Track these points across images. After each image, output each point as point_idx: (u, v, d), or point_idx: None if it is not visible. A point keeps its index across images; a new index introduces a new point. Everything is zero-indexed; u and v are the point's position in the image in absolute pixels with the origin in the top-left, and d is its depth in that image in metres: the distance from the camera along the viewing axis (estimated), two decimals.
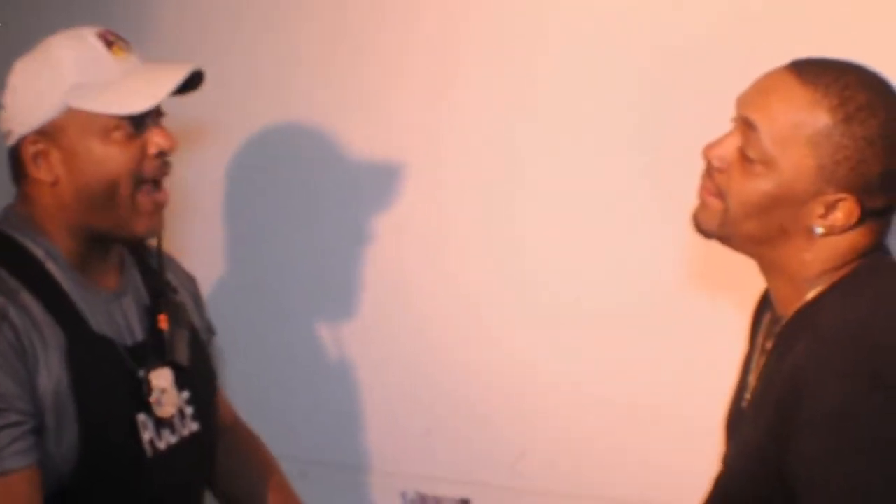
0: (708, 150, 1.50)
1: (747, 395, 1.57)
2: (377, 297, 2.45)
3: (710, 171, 1.50)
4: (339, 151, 2.43)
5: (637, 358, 2.25)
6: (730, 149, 1.48)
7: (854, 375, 1.36)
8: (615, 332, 2.26)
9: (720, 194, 1.49)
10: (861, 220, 1.44)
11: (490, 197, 2.34)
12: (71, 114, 1.67)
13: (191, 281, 1.98)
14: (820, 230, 1.44)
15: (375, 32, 2.39)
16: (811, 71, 1.44)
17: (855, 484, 1.33)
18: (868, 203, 1.43)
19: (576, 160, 2.27)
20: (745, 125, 1.46)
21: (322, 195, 2.49)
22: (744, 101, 1.49)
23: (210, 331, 1.99)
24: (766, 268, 1.53)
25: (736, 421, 1.60)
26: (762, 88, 1.47)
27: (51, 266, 1.69)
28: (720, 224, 1.49)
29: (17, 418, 1.58)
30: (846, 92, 1.41)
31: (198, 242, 2.52)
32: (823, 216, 1.44)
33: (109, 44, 1.70)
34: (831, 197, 1.42)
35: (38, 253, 1.70)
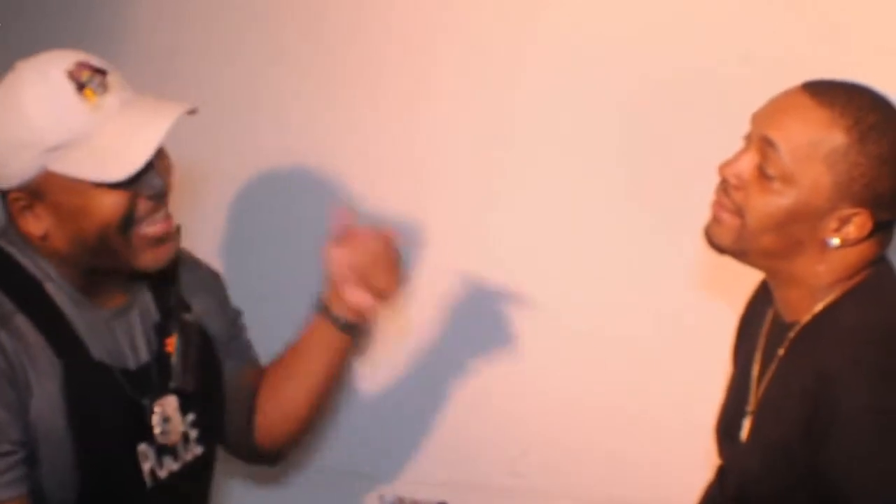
0: (725, 168, 1.54)
1: (752, 399, 1.62)
2: None
3: (725, 189, 1.55)
4: (322, 163, 2.41)
5: (633, 360, 2.27)
6: (747, 166, 1.52)
7: (885, 372, 1.43)
8: (612, 335, 2.28)
9: (737, 211, 1.53)
10: (872, 233, 1.50)
11: (485, 199, 2.34)
12: (49, 175, 1.56)
13: (214, 278, 1.91)
14: (835, 242, 1.50)
15: (357, 36, 2.38)
16: (825, 93, 1.50)
17: (891, 476, 1.40)
18: (879, 216, 1.49)
19: (565, 165, 2.29)
20: (764, 143, 1.51)
21: (306, 204, 2.46)
22: (761, 120, 1.53)
23: (235, 323, 1.93)
24: (778, 278, 1.59)
25: (734, 425, 1.64)
26: (779, 108, 1.52)
27: (50, 287, 1.63)
28: (736, 239, 1.54)
29: (8, 448, 1.55)
30: (859, 112, 1.48)
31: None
32: (837, 230, 1.50)
33: (81, 87, 1.55)
34: (846, 212, 1.49)
35: (37, 273, 1.63)
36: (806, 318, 1.55)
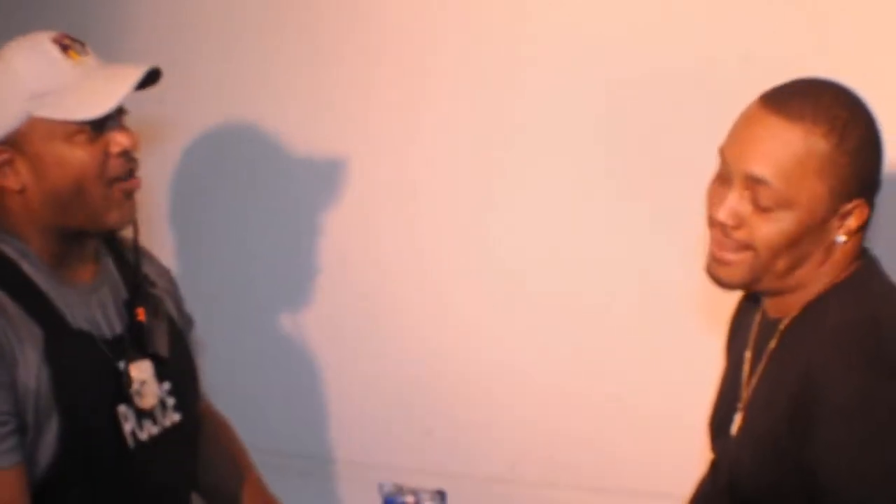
0: (717, 213, 1.53)
1: (743, 394, 1.64)
2: (354, 290, 2.47)
3: (724, 231, 1.53)
4: (314, 149, 2.44)
5: (629, 356, 2.29)
6: (741, 206, 1.52)
7: (872, 366, 1.45)
8: (608, 331, 2.30)
9: (745, 247, 1.53)
10: (870, 217, 1.53)
11: (484, 198, 2.37)
12: (34, 122, 1.68)
13: (166, 274, 1.99)
14: (842, 238, 1.52)
15: (349, 29, 2.40)
16: (790, 105, 1.50)
17: (880, 469, 1.42)
18: (872, 199, 1.52)
19: (565, 165, 2.31)
20: (751, 181, 1.50)
21: (301, 189, 2.49)
22: (738, 156, 1.52)
23: (189, 322, 2.00)
24: (784, 288, 1.58)
25: (726, 420, 1.66)
26: (753, 139, 1.51)
27: (25, 265, 1.71)
28: (749, 272, 1.54)
29: (0, 419, 1.61)
30: (829, 113, 1.48)
31: (163, 238, 2.53)
32: (840, 227, 1.51)
33: (65, 48, 1.70)
34: (846, 208, 1.51)
35: (12, 253, 1.71)
36: (790, 314, 1.57)
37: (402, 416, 2.47)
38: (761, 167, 1.49)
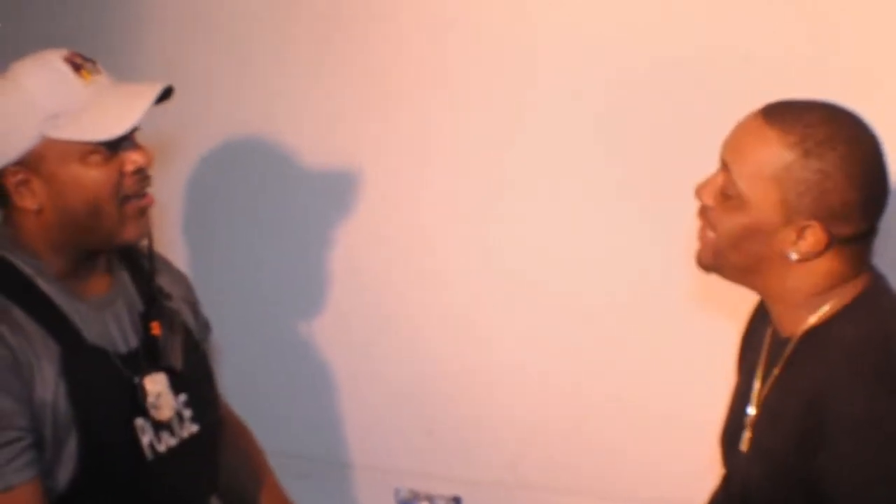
0: (697, 190, 1.60)
1: (752, 410, 1.65)
2: (363, 297, 2.48)
3: (702, 209, 1.61)
4: (323, 158, 2.45)
5: (631, 357, 2.30)
6: (714, 188, 1.58)
7: (881, 380, 1.47)
8: (609, 332, 2.31)
9: (712, 227, 1.59)
10: (830, 246, 1.53)
11: (483, 196, 2.37)
12: (48, 143, 1.68)
13: (183, 280, 2.00)
14: (794, 256, 1.54)
15: (357, 40, 2.41)
16: (778, 113, 1.54)
17: (885, 481, 1.44)
18: (835, 230, 1.52)
19: (567, 165, 2.31)
20: (724, 166, 1.57)
21: (310, 198, 2.50)
22: (724, 144, 1.59)
23: (206, 328, 2.01)
24: (762, 294, 1.64)
25: (737, 433, 1.68)
26: (737, 133, 1.58)
27: (40, 282, 1.72)
28: (712, 256, 1.61)
29: (16, 435, 1.63)
30: (807, 129, 1.51)
31: (175, 246, 2.53)
32: (794, 243, 1.53)
33: (77, 67, 1.70)
34: (800, 223, 1.52)
35: (27, 270, 1.72)
36: (799, 332, 1.58)
37: (420, 423, 2.47)
38: (731, 156, 1.56)
